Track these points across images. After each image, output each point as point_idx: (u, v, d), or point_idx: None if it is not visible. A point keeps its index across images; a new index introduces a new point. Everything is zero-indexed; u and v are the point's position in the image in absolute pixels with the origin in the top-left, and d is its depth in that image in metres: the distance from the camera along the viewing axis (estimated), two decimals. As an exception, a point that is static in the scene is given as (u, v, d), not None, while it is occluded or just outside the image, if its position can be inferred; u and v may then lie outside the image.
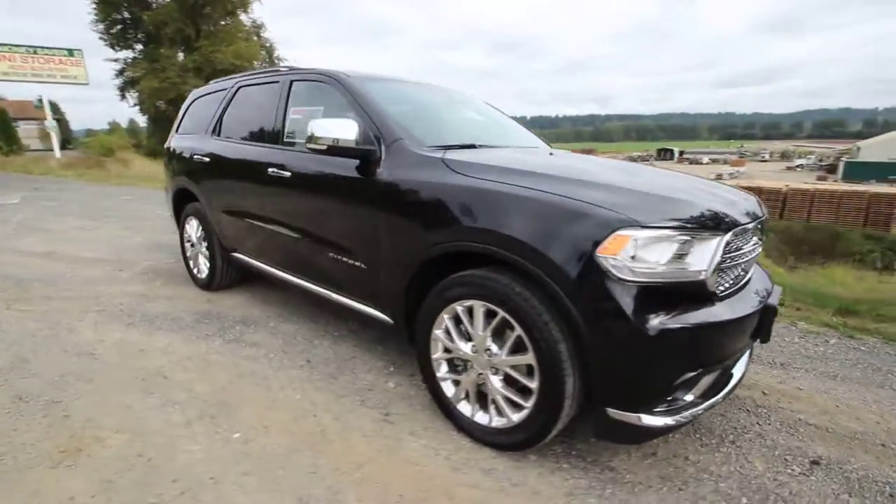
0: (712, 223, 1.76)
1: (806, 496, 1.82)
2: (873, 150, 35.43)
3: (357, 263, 2.47)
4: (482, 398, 2.08)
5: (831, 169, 46.61)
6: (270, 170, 2.91)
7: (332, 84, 2.76)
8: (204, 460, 1.94)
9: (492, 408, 2.02)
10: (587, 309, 1.66)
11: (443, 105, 3.23)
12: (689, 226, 1.70)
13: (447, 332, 2.11)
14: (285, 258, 3.09)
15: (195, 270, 4.06)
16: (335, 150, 2.36)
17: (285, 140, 2.97)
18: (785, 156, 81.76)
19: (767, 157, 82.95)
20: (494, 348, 1.95)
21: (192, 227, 3.98)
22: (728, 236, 1.77)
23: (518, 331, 1.84)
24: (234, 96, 3.59)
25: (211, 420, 2.21)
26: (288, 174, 2.80)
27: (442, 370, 2.19)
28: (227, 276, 3.86)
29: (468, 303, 1.99)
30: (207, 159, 3.57)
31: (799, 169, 55.22)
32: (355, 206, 2.42)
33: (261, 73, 3.46)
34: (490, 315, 1.94)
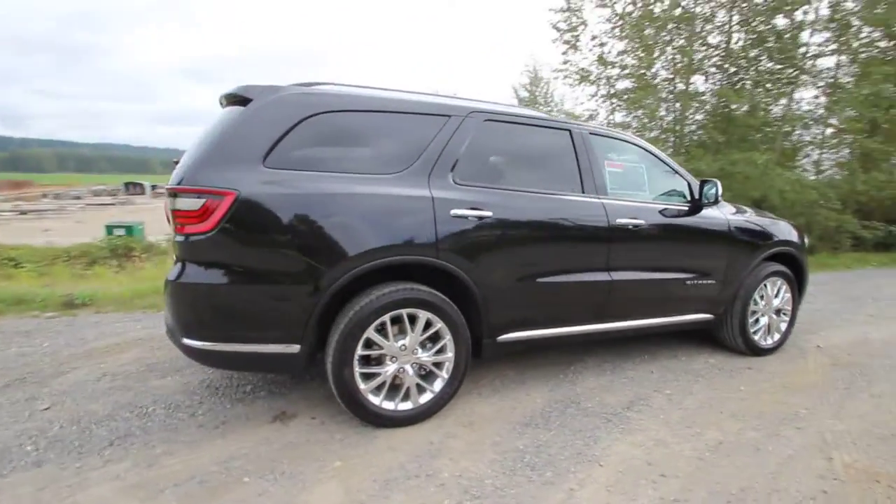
0: None
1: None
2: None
3: (710, 281, 3.58)
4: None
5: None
6: (620, 221, 3.11)
7: (641, 148, 3.57)
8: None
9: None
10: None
11: None
12: None
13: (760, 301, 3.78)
14: (614, 306, 3.24)
15: (395, 402, 2.57)
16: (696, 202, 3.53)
17: (610, 192, 3.19)
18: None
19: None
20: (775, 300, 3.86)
21: (408, 331, 2.58)
22: None
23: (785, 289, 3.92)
24: (475, 129, 2.82)
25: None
26: (641, 222, 3.19)
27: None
28: None
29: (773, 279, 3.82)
30: (488, 213, 2.70)
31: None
32: (718, 240, 3.62)
33: (530, 114, 3.34)
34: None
